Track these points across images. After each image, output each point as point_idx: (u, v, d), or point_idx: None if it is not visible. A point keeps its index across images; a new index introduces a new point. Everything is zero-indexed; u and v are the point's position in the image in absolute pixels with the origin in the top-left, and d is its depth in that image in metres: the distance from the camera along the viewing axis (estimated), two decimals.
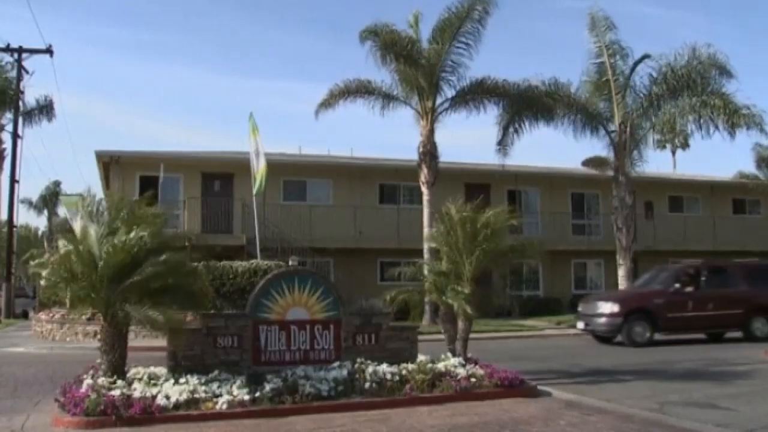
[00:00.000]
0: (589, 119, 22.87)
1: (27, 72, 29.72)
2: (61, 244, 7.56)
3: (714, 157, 74.62)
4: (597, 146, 25.23)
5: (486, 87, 21.86)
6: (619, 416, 7.08)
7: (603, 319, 15.36)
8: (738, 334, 16.02)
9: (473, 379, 8.14)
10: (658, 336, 15.26)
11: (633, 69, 22.21)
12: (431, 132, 21.71)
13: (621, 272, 22.39)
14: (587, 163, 25.87)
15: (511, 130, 22.59)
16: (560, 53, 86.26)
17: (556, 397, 8.22)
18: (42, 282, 7.62)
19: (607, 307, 15.42)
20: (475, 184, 25.24)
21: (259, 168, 18.58)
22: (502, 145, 22.67)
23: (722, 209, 30.39)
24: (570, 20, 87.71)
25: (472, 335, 9.66)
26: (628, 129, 22.27)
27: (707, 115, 20.84)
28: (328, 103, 22.22)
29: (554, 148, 79.47)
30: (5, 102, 29.50)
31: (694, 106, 21.07)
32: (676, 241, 27.70)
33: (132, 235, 7.35)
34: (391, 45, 20.51)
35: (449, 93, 21.92)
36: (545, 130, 24.11)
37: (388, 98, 22.24)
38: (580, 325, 16.13)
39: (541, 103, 22.14)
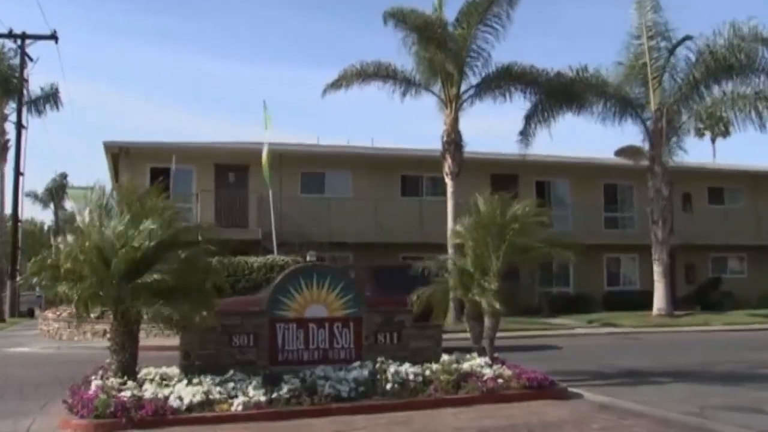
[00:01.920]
0: (623, 106, 22.17)
1: (31, 59, 28.63)
2: (68, 239, 7.36)
3: (756, 144, 72.23)
4: (631, 135, 24.54)
5: (513, 73, 21.12)
6: (656, 420, 6.78)
7: None
8: None
9: (500, 380, 7.90)
10: None
11: (672, 51, 21.31)
12: (455, 120, 21.06)
13: (657, 268, 21.70)
14: (621, 152, 25.08)
15: (535, 119, 21.94)
16: (583, 39, 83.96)
17: (588, 399, 7.94)
18: (43, 283, 7.38)
19: None
20: (502, 175, 24.61)
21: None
22: (525, 135, 22.07)
23: (766, 200, 29.22)
24: (593, 4, 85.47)
25: (498, 334, 9.32)
26: (664, 116, 21.51)
27: (763, 107, 19.89)
28: (339, 83, 21.16)
29: (585, 138, 77.61)
30: (8, 90, 28.90)
31: (744, 96, 20.17)
32: (716, 235, 26.63)
33: (142, 227, 7.13)
34: (422, 28, 19.61)
35: (474, 80, 21.19)
36: (575, 118, 23.31)
37: (408, 84, 21.42)
38: None
39: (571, 90, 21.46)
